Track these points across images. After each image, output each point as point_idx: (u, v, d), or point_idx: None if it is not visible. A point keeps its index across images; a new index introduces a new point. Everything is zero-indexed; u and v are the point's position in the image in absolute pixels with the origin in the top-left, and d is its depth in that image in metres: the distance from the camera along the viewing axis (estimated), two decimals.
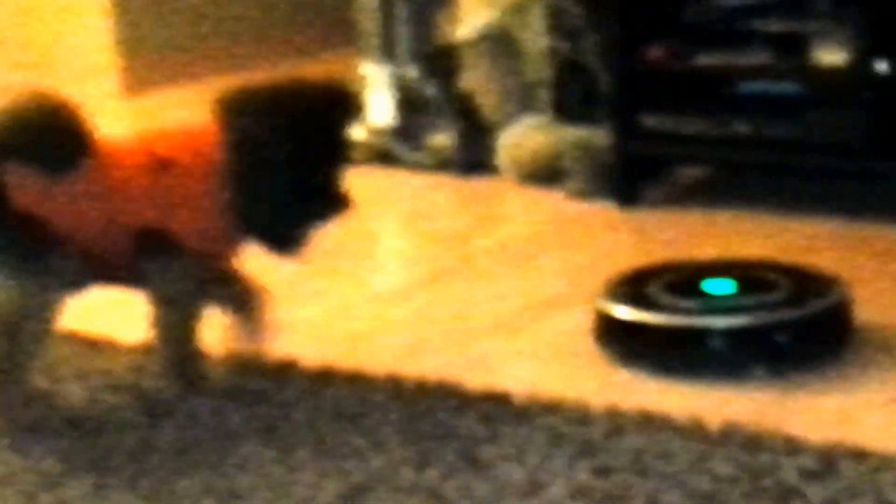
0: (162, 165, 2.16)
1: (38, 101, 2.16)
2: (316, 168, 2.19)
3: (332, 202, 2.21)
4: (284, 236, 2.22)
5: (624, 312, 2.37)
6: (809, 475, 1.91)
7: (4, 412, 2.17)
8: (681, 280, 2.43)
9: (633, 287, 2.43)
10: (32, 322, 2.15)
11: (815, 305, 2.34)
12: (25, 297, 2.13)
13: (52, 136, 2.13)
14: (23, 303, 2.13)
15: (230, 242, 2.23)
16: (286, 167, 2.16)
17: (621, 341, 2.37)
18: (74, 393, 2.30)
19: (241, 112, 2.17)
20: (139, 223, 2.15)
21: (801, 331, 2.31)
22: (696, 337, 2.32)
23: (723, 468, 1.95)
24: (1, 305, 2.13)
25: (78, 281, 2.19)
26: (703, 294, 2.38)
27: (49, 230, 2.12)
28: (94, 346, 2.46)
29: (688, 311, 2.34)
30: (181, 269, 2.19)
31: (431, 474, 1.98)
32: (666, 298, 2.37)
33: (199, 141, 2.19)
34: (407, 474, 1.98)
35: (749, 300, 2.34)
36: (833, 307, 2.36)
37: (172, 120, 3.72)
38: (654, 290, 2.40)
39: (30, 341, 2.16)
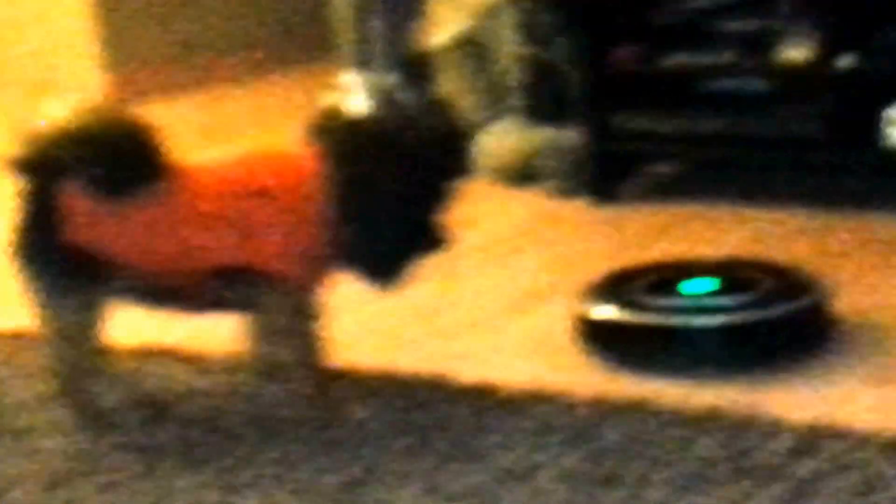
0: (256, 193, 2.04)
1: (104, 120, 2.04)
2: (424, 204, 2.10)
3: (434, 238, 2.13)
4: (386, 270, 2.13)
5: (603, 313, 2.35)
6: (792, 454, 1.93)
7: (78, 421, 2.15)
8: (661, 280, 2.40)
9: (613, 288, 2.40)
10: (74, 343, 2.11)
11: (794, 305, 2.31)
12: (65, 320, 2.09)
13: (114, 156, 2.01)
14: (62, 326, 2.09)
15: (321, 274, 2.13)
16: (396, 201, 2.07)
17: (602, 344, 2.35)
18: None
19: (352, 142, 2.07)
20: (218, 260, 2.04)
21: (782, 330, 2.29)
22: (675, 337, 2.30)
23: (707, 450, 1.97)
24: (45, 327, 2.11)
25: (141, 303, 2.13)
26: (682, 294, 2.35)
27: (100, 257, 2.03)
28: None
29: (667, 312, 2.31)
30: (278, 299, 2.08)
31: (425, 464, 2.00)
32: (646, 299, 2.35)
33: (298, 167, 2.07)
34: (401, 465, 2.00)
35: (730, 300, 2.31)
36: (812, 306, 2.34)
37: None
38: (634, 290, 2.38)
39: (76, 359, 2.12)
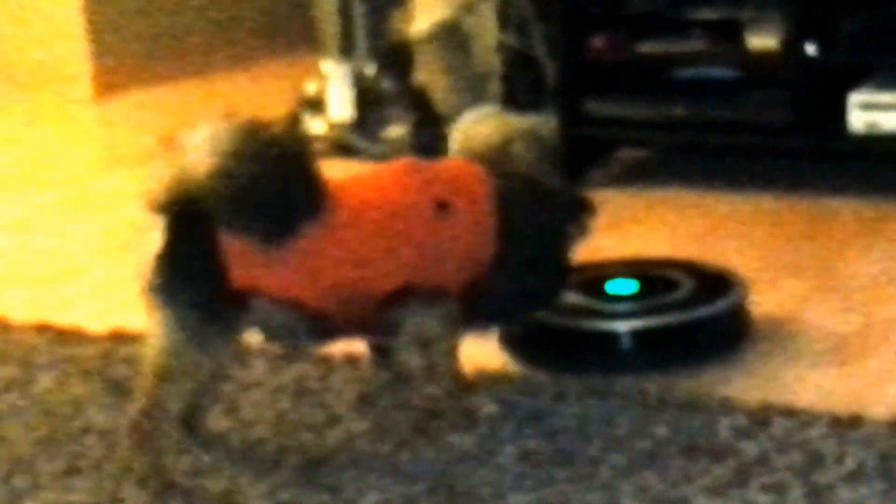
0: (440, 207, 1.88)
1: (258, 149, 1.75)
2: (553, 253, 2.02)
3: (551, 297, 2.05)
4: (509, 313, 2.04)
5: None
6: (743, 433, 1.92)
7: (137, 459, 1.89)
8: (583, 280, 2.30)
9: None
10: (183, 378, 1.85)
11: (715, 307, 2.22)
12: (183, 352, 1.83)
13: (274, 197, 1.76)
14: (177, 357, 1.83)
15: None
16: (539, 247, 1.98)
17: (521, 344, 2.24)
18: (46, 380, 2.28)
19: (517, 193, 1.97)
20: (391, 285, 1.86)
21: (701, 331, 2.21)
22: (592, 340, 2.22)
23: (661, 430, 1.96)
24: (157, 353, 1.85)
25: (312, 340, 1.95)
26: (600, 297, 2.27)
27: (257, 298, 1.82)
28: (64, 335, 2.44)
29: (584, 315, 2.22)
30: (446, 312, 1.92)
31: (386, 445, 1.98)
32: (564, 300, 2.21)
33: (474, 181, 1.94)
34: (363, 446, 1.98)
35: (650, 302, 2.24)
36: (732, 308, 2.25)
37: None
38: None
39: (174, 396, 1.86)
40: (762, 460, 1.84)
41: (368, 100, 3.67)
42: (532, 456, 1.91)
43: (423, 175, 1.93)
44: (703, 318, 2.21)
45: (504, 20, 3.48)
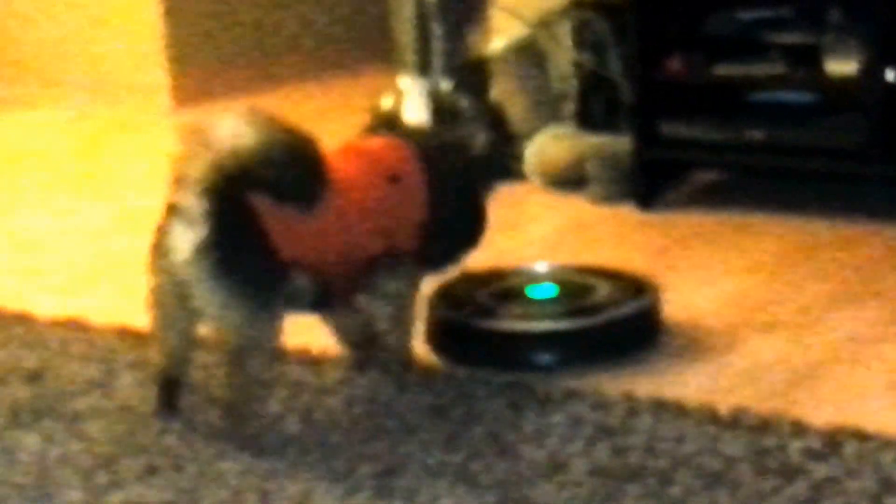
0: (392, 179, 2.17)
1: (282, 134, 2.01)
2: (478, 201, 2.32)
3: (479, 230, 2.32)
4: (449, 257, 2.31)
5: (448, 317, 2.38)
6: (814, 455, 1.94)
7: (236, 433, 2.08)
8: (507, 286, 2.46)
9: (460, 292, 2.44)
10: (261, 351, 2.06)
11: (623, 310, 2.36)
12: (257, 327, 2.04)
13: (306, 167, 2.03)
14: (253, 332, 2.04)
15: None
16: (460, 198, 2.28)
17: (448, 345, 2.38)
18: (127, 382, 2.36)
19: (435, 157, 2.24)
20: (379, 248, 2.15)
21: (612, 332, 2.34)
22: (510, 340, 2.34)
23: (732, 449, 1.98)
24: (232, 333, 2.04)
25: (313, 308, 2.19)
26: (521, 300, 2.42)
27: (296, 266, 2.05)
28: (144, 339, 2.50)
29: (504, 317, 2.36)
30: (408, 271, 2.23)
31: (458, 455, 2.02)
32: (490, 303, 2.40)
33: (404, 153, 2.21)
34: (435, 456, 2.02)
35: (565, 305, 2.39)
36: (643, 310, 2.39)
37: None
38: (480, 295, 2.43)
39: (258, 367, 2.07)
40: (833, 483, 1.86)
41: (444, 116, 3.72)
42: (602, 471, 1.94)
43: (366, 156, 2.21)
44: (614, 320, 2.35)
45: (580, 40, 3.52)
